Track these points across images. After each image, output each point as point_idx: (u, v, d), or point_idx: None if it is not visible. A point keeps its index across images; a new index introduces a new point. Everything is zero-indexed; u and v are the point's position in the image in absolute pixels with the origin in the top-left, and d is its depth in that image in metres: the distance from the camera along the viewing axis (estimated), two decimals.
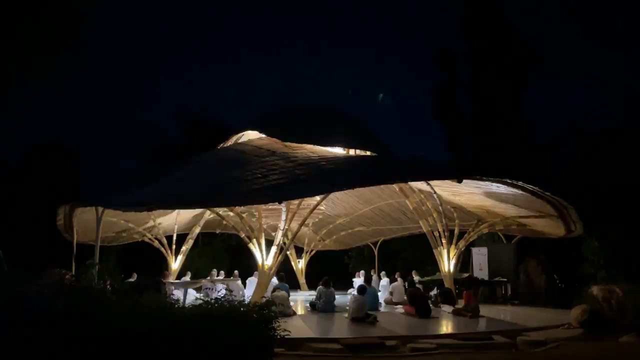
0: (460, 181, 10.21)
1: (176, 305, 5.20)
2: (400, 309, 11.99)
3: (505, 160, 19.15)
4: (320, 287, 11.69)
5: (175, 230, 16.49)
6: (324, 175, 10.20)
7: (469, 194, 12.31)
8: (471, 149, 22.13)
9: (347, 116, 15.57)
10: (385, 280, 15.45)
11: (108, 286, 5.51)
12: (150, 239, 16.27)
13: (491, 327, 9.09)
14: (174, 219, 16.21)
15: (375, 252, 20.27)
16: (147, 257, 17.40)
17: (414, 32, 78.13)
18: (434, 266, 14.78)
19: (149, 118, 61.03)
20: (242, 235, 13.91)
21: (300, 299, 15.23)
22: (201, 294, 10.33)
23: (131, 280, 12.27)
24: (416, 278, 14.29)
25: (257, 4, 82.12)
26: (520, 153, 19.76)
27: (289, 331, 5.38)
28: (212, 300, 5.11)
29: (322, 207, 14.17)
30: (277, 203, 10.79)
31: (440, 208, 13.47)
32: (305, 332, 8.10)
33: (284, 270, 14.93)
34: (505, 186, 10.48)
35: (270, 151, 11.72)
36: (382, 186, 14.44)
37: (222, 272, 15.40)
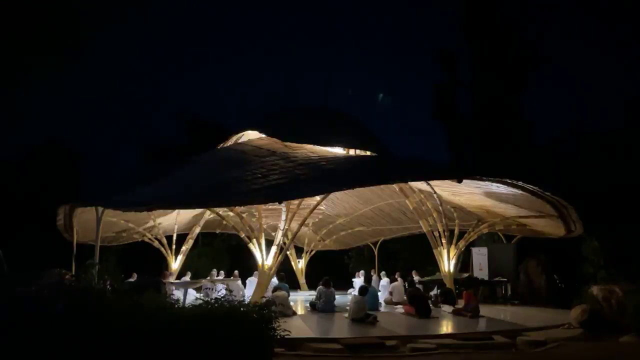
0: (460, 181, 10.21)
1: (176, 305, 5.19)
2: (400, 309, 11.99)
3: (505, 160, 19.15)
4: (320, 287, 11.69)
5: (175, 230, 16.50)
6: (324, 175, 10.20)
7: (469, 194, 12.31)
8: (471, 149, 22.11)
9: (347, 116, 15.56)
10: (385, 280, 15.45)
11: (108, 286, 5.51)
12: (150, 239, 16.28)
13: (491, 327, 9.08)
14: (174, 219, 16.22)
15: (375, 252, 20.27)
16: (147, 257, 17.42)
17: (414, 32, 78.16)
18: (434, 266, 14.78)
19: (149, 118, 61.04)
20: (242, 235, 13.90)
21: (300, 299, 15.22)
22: (201, 294, 10.34)
23: (131, 280, 12.27)
24: (416, 278, 14.29)
25: (257, 5, 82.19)
26: (521, 153, 19.75)
27: (289, 331, 5.38)
28: (212, 300, 5.11)
29: (322, 207, 14.18)
30: (277, 203, 10.79)
31: (440, 208, 13.47)
32: (305, 332, 8.10)
33: (284, 270, 14.93)
34: (505, 186, 10.49)
35: (270, 151, 11.72)
36: (382, 186, 14.44)
37: (222, 272, 15.40)
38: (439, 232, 13.72)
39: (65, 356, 4.16)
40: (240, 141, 14.62)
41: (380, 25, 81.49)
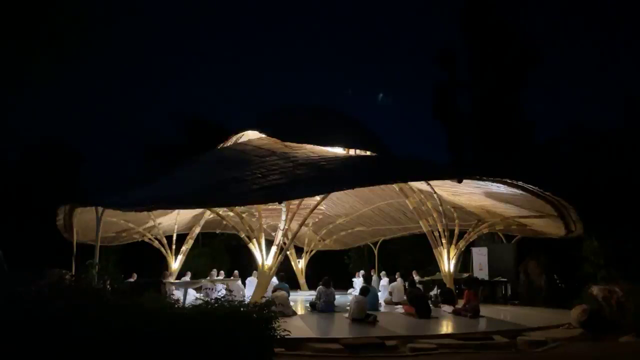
0: (460, 181, 10.21)
1: (176, 305, 5.19)
2: (400, 309, 11.99)
3: (505, 160, 19.15)
4: (320, 287, 11.69)
5: (175, 230, 16.51)
6: (324, 175, 10.20)
7: (469, 194, 12.31)
8: (471, 149, 22.10)
9: (347, 116, 15.58)
10: (385, 280, 15.46)
11: (108, 286, 5.50)
12: (150, 239, 16.29)
13: (491, 327, 9.08)
14: (174, 219, 16.22)
15: (375, 252, 20.27)
16: (147, 257, 17.42)
17: (414, 32, 78.19)
18: (434, 266, 14.78)
19: (149, 118, 61.06)
20: (242, 235, 13.91)
21: (300, 299, 15.22)
22: (201, 294, 10.35)
23: (131, 280, 12.28)
24: (416, 278, 14.29)
25: (257, 5, 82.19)
26: (520, 153, 19.75)
27: (289, 331, 5.37)
28: (212, 300, 5.10)
29: (322, 207, 14.17)
30: (277, 203, 10.79)
31: (440, 208, 13.47)
32: (305, 332, 8.10)
33: (284, 270, 14.94)
34: (505, 186, 10.48)
35: (270, 151, 11.72)
36: (382, 186, 14.44)
37: (222, 272, 15.41)
38: (439, 232, 13.73)
39: (65, 356, 4.16)
40: (240, 141, 14.62)
41: (380, 25, 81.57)
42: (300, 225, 12.27)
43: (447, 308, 11.50)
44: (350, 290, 16.80)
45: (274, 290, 11.17)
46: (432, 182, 12.67)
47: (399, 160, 13.94)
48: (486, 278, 14.72)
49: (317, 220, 17.09)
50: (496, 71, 21.37)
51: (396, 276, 14.72)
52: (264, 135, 13.58)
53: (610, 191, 14.63)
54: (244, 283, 14.52)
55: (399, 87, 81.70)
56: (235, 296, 6.07)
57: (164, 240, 16.37)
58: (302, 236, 20.41)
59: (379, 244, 20.14)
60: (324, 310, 11.21)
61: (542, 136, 21.85)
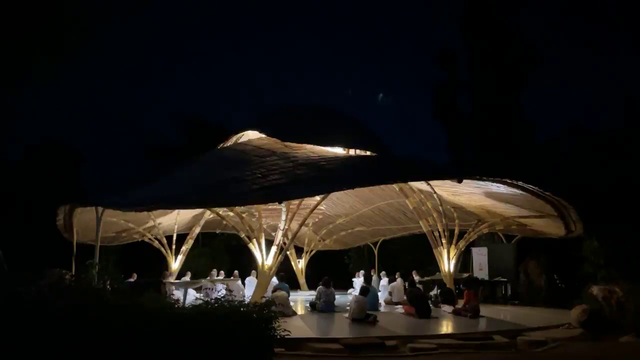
0: (460, 181, 10.21)
1: (176, 305, 5.19)
2: (400, 309, 11.98)
3: (505, 160, 19.15)
4: (320, 287, 11.69)
5: (175, 230, 16.51)
6: (324, 176, 10.19)
7: (469, 194, 12.31)
8: (471, 149, 22.09)
9: (347, 116, 15.58)
10: (385, 280, 15.46)
11: (108, 286, 5.50)
12: (150, 239, 16.28)
13: (491, 327, 9.07)
14: (174, 219, 16.22)
15: (375, 252, 20.27)
16: (147, 257, 17.42)
17: (414, 32, 78.22)
18: (434, 266, 14.78)
19: (149, 118, 61.07)
20: (242, 235, 13.90)
21: (300, 299, 15.22)
22: (201, 294, 10.35)
23: (131, 280, 12.28)
24: (416, 278, 14.28)
25: (257, 5, 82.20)
26: (520, 153, 19.76)
27: (289, 331, 5.37)
28: (212, 300, 5.10)
29: (322, 207, 14.17)
30: (277, 203, 10.79)
31: (440, 208, 13.47)
32: (305, 332, 8.09)
33: (284, 270, 14.94)
34: (505, 186, 10.48)
35: (270, 151, 11.72)
36: (382, 186, 14.44)
37: (222, 272, 15.41)
38: (439, 232, 13.72)
39: (65, 356, 4.15)
40: (240, 141, 14.62)
41: (380, 25, 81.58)
42: (300, 225, 12.27)
43: (447, 308, 11.49)
44: (350, 290, 16.80)
45: (274, 290, 11.17)
46: (432, 182, 12.67)
47: (399, 160, 13.93)
48: (486, 278, 14.72)
49: (317, 220, 17.09)
50: (496, 71, 21.36)
51: (396, 276, 14.72)
52: (264, 135, 13.58)
53: (610, 191, 14.62)
54: (243, 283, 14.52)
55: (399, 87, 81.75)
56: (235, 296, 6.07)
57: (164, 240, 16.38)
58: (302, 236, 20.41)
59: (379, 244, 20.14)
60: (324, 310, 11.21)
61: (542, 136, 21.86)
